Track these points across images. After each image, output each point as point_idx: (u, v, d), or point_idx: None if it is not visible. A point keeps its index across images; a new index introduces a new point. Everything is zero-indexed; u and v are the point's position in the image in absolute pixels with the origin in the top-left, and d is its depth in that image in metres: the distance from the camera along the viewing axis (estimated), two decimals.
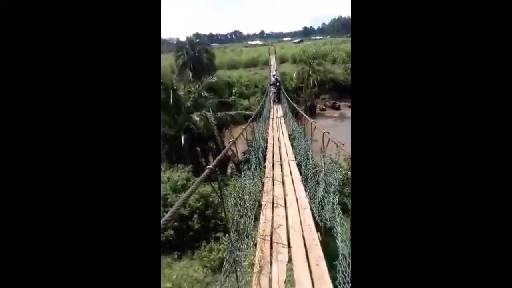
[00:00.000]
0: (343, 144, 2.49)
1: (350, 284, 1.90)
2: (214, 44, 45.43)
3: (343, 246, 2.10)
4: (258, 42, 58.54)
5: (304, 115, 6.03)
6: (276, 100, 13.07)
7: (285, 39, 66.46)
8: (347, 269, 1.95)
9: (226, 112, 10.86)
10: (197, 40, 24.70)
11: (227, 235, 3.38)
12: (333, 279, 2.15)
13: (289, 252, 2.68)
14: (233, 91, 20.50)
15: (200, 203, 5.28)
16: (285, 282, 2.30)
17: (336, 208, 2.55)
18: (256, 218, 3.46)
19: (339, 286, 1.99)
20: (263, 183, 4.60)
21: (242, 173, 3.85)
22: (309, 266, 2.43)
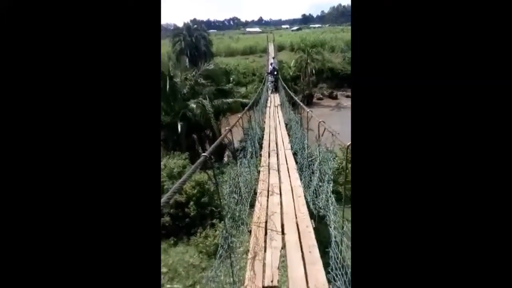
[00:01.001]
0: (338, 134, 2.50)
1: (342, 269, 1.96)
2: (211, 30, 44.54)
3: (336, 234, 2.14)
4: (257, 29, 57.51)
5: (301, 104, 6.02)
6: (274, 89, 12.97)
7: (284, 26, 65.38)
8: (339, 256, 2.00)
9: (223, 99, 10.77)
10: (195, 26, 24.17)
11: (222, 221, 3.43)
12: (325, 265, 2.21)
13: (283, 239, 2.74)
14: (231, 78, 20.26)
15: (196, 190, 5.32)
16: (278, 267, 2.35)
17: (330, 196, 2.59)
18: (252, 206, 3.51)
19: (331, 272, 2.05)
20: (259, 172, 4.63)
21: (238, 161, 3.86)
22: (302, 252, 2.48)
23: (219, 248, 2.21)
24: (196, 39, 22.44)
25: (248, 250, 2.61)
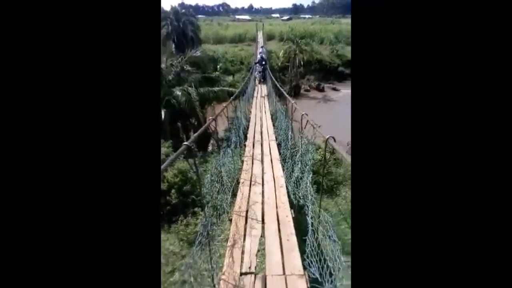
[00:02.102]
0: (319, 126, 2.55)
1: (317, 256, 2.03)
2: (200, 16, 43.39)
3: (313, 222, 2.21)
4: (246, 16, 56.51)
5: (286, 95, 6.03)
6: (262, 80, 12.86)
7: (274, 15, 64.63)
8: (315, 244, 2.08)
9: (209, 88, 10.62)
10: (182, 10, 23.43)
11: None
12: (303, 253, 2.28)
13: (263, 227, 2.80)
14: (218, 66, 19.96)
15: (178, 179, 5.29)
16: (256, 255, 2.41)
17: (309, 186, 2.66)
18: (234, 195, 3.54)
19: (307, 259, 2.13)
20: (242, 161, 4.66)
21: (221, 151, 3.86)
22: (281, 240, 2.55)
23: (198, 235, 2.23)
24: (184, 24, 21.78)
25: (228, 238, 2.66)
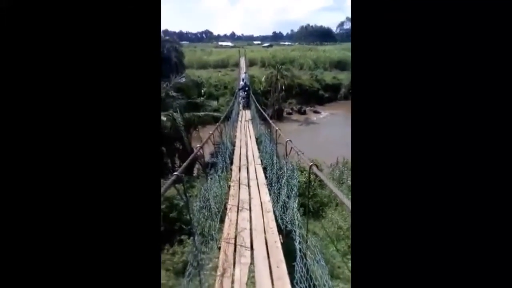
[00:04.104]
0: (303, 153, 2.68)
1: (306, 282, 2.07)
2: (183, 42, 44.39)
3: (300, 248, 2.27)
4: (229, 43, 58.34)
5: (270, 121, 6.22)
6: (246, 105, 13.09)
7: (255, 42, 67.11)
8: (303, 269, 2.12)
9: (194, 113, 10.72)
10: (166, 37, 23.95)
11: (191, 238, 3.40)
12: (292, 278, 2.31)
13: (252, 254, 2.80)
14: (202, 91, 20.23)
15: (165, 206, 5.19)
16: (246, 283, 2.40)
17: (295, 212, 2.73)
18: (222, 221, 3.53)
19: (296, 286, 2.15)
20: (229, 187, 4.68)
21: (208, 177, 3.89)
22: (270, 268, 2.57)
23: (188, 266, 2.22)
24: (168, 51, 22.16)
25: (217, 267, 2.64)
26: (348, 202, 1.52)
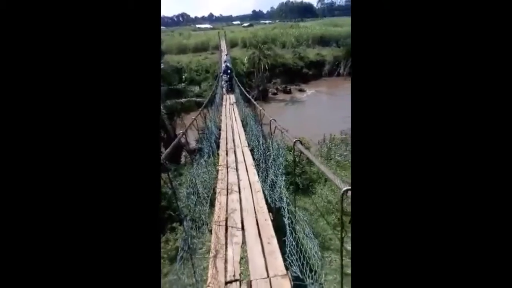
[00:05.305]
0: (287, 131, 2.67)
1: (296, 255, 2.12)
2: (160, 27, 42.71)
3: (289, 222, 2.30)
4: (207, 25, 56.51)
5: (254, 102, 6.15)
6: (229, 89, 12.80)
7: (235, 22, 65.34)
8: (293, 243, 2.17)
9: (176, 100, 10.49)
10: None
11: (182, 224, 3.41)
12: (284, 253, 2.36)
13: (243, 234, 2.84)
14: (183, 77, 19.70)
15: None
16: (239, 262, 2.44)
17: (283, 189, 2.76)
18: (212, 205, 3.54)
19: (288, 259, 2.21)
20: (217, 171, 4.66)
21: (195, 163, 3.85)
22: (262, 244, 2.61)
23: (179, 251, 2.22)
24: None
25: (210, 250, 2.66)
26: (334, 178, 1.53)
